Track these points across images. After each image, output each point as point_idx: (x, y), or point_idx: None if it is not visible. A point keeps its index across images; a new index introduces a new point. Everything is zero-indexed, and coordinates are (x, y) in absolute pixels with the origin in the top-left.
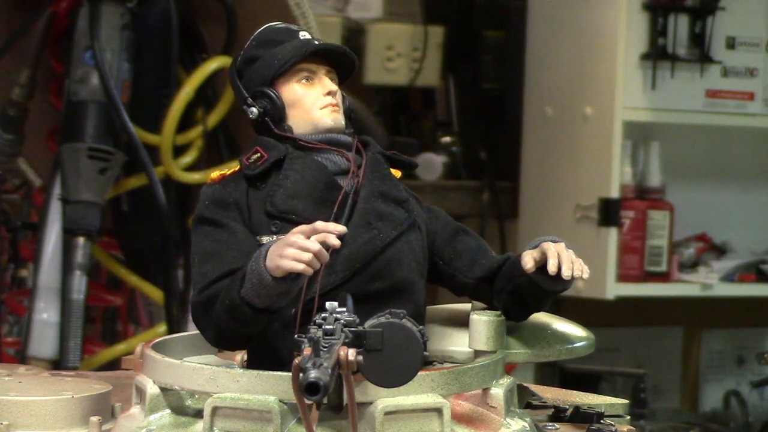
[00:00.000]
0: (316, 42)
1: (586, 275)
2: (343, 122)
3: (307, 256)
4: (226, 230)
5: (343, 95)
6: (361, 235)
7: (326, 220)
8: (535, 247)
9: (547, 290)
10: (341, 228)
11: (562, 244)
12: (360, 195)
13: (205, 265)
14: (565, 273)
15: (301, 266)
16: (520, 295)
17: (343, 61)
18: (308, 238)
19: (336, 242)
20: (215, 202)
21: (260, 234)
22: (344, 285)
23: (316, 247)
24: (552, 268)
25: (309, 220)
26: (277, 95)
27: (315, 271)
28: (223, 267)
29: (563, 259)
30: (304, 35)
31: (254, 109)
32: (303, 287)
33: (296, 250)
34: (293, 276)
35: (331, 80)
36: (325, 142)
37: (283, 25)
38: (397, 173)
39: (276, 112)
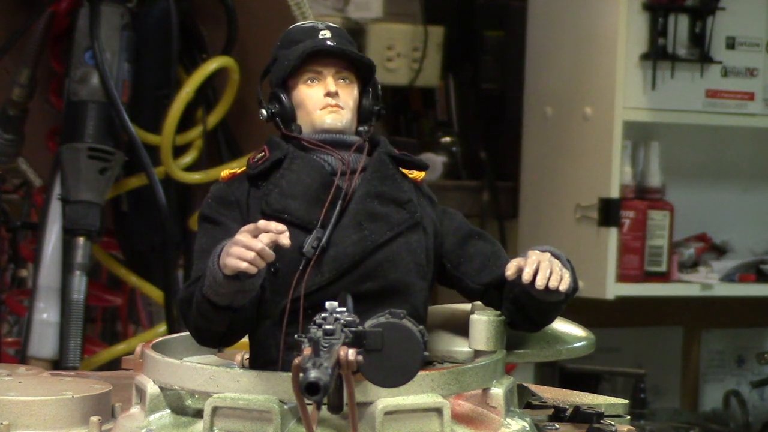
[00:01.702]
0: (328, 43)
1: (563, 287)
2: (341, 123)
3: (250, 254)
4: (223, 229)
5: (370, 94)
6: (349, 236)
7: (318, 219)
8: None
9: (540, 300)
10: (281, 227)
11: (547, 254)
12: (355, 196)
13: (199, 262)
14: (538, 282)
15: (243, 264)
16: (521, 305)
17: (356, 60)
18: (255, 237)
19: (286, 241)
20: (217, 200)
21: None
22: (331, 285)
23: (259, 245)
24: (526, 276)
25: (301, 220)
26: (286, 97)
27: (302, 271)
28: None
29: (541, 268)
30: (323, 34)
31: (263, 111)
32: (292, 285)
33: (240, 248)
34: (243, 275)
35: (343, 79)
36: (326, 142)
37: (308, 24)
38: (420, 174)
39: (284, 114)
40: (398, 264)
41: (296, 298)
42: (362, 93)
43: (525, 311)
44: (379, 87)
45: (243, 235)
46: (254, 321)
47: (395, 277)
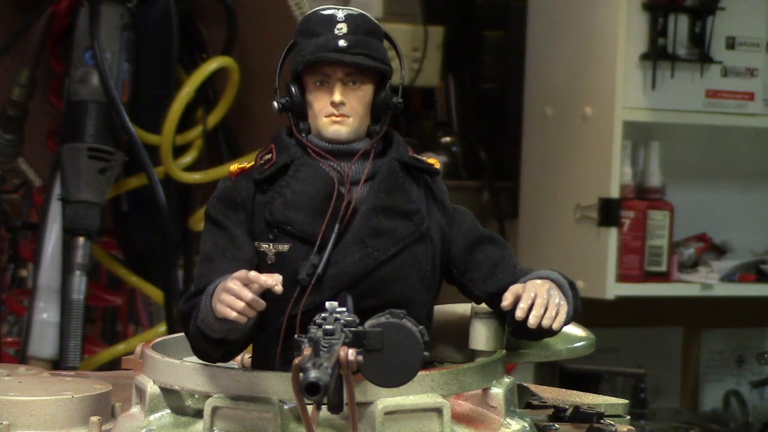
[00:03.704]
0: (340, 43)
1: (556, 325)
2: (345, 134)
3: (240, 304)
4: (226, 234)
5: (387, 88)
6: (351, 254)
7: (321, 233)
8: (529, 280)
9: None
10: (271, 281)
11: (547, 284)
12: (360, 210)
13: (202, 267)
14: (531, 321)
15: (233, 314)
16: (523, 321)
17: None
18: (246, 285)
19: (279, 289)
20: (223, 201)
21: (259, 240)
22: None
23: (249, 296)
24: (519, 313)
25: (304, 233)
26: (298, 92)
27: (302, 288)
28: (211, 277)
29: (536, 304)
30: (339, 29)
31: (275, 103)
32: (292, 299)
33: (231, 297)
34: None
35: (353, 82)
36: (331, 152)
37: (328, 13)
38: (436, 163)
39: (295, 110)
40: (402, 279)
41: (294, 315)
42: (379, 88)
43: (526, 326)
44: (403, 75)
45: (234, 283)
46: (252, 340)
47: (399, 293)
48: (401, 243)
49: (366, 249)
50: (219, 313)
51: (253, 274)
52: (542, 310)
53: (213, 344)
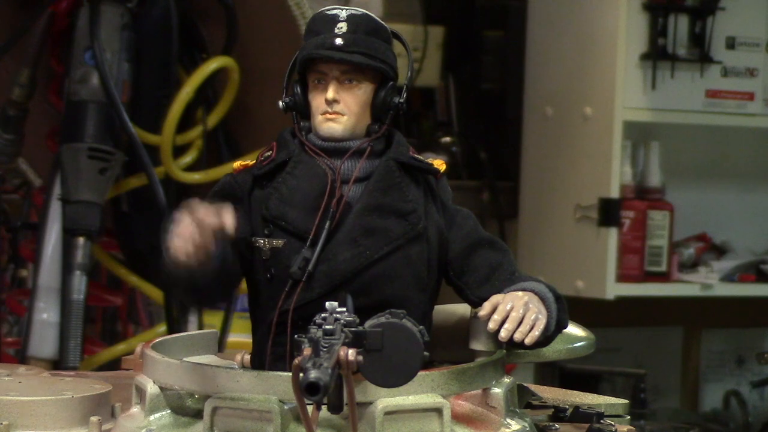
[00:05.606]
0: (337, 41)
1: (529, 340)
2: (339, 132)
3: (189, 248)
4: None
5: (387, 87)
6: (342, 253)
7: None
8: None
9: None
10: (215, 221)
11: (527, 296)
12: (353, 209)
13: None
14: (502, 334)
15: (183, 258)
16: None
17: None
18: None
19: (229, 223)
20: (221, 194)
21: (255, 235)
22: (322, 299)
23: (198, 240)
24: (492, 325)
25: (298, 229)
26: (299, 92)
27: (294, 284)
28: None
29: (510, 318)
30: (339, 29)
31: (280, 102)
32: (281, 300)
33: (180, 239)
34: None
35: (350, 81)
36: (326, 149)
37: (331, 12)
38: (441, 164)
39: (299, 109)
40: (395, 279)
41: (285, 311)
42: (380, 87)
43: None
44: (411, 75)
45: (183, 226)
46: (233, 287)
47: (391, 292)
48: (395, 242)
49: (358, 247)
50: (171, 255)
51: (201, 213)
52: (515, 324)
53: (184, 282)
